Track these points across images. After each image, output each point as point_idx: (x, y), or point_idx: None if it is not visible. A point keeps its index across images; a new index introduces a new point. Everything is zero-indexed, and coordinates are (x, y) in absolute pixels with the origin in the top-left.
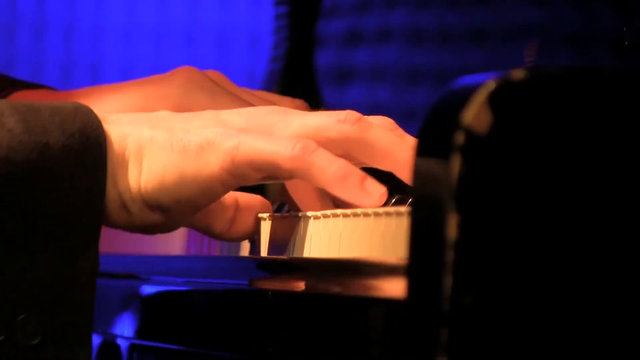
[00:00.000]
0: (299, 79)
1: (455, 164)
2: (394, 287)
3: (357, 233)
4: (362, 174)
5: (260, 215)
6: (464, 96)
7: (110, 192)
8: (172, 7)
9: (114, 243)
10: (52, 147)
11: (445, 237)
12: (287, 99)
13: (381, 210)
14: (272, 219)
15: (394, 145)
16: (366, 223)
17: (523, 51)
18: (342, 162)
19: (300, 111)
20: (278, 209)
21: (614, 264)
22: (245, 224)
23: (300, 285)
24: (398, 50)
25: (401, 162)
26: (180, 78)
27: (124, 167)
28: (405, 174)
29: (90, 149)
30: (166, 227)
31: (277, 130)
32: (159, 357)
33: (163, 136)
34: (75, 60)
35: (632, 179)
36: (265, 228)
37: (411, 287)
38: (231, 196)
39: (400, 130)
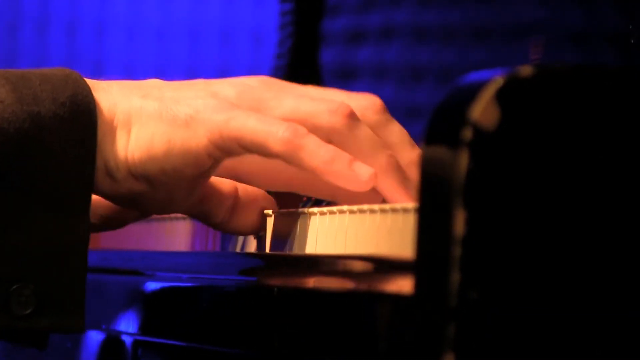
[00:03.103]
0: (302, 76)
1: (463, 159)
2: (401, 283)
3: (364, 229)
4: (350, 157)
5: (265, 211)
6: (472, 92)
7: (97, 160)
8: (176, 4)
9: (118, 239)
10: (44, 117)
11: (452, 232)
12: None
13: (387, 206)
14: (278, 215)
15: (375, 150)
16: (372, 219)
17: (529, 48)
18: (330, 147)
19: (294, 89)
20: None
21: (619, 259)
22: (247, 216)
23: (306, 282)
24: (402, 48)
25: (377, 167)
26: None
27: (112, 134)
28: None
29: (80, 117)
30: (153, 199)
31: (267, 109)
32: (163, 353)
33: (152, 105)
34: (78, 56)
35: (637, 175)
36: (271, 224)
37: (418, 283)
38: (230, 184)
39: (387, 115)
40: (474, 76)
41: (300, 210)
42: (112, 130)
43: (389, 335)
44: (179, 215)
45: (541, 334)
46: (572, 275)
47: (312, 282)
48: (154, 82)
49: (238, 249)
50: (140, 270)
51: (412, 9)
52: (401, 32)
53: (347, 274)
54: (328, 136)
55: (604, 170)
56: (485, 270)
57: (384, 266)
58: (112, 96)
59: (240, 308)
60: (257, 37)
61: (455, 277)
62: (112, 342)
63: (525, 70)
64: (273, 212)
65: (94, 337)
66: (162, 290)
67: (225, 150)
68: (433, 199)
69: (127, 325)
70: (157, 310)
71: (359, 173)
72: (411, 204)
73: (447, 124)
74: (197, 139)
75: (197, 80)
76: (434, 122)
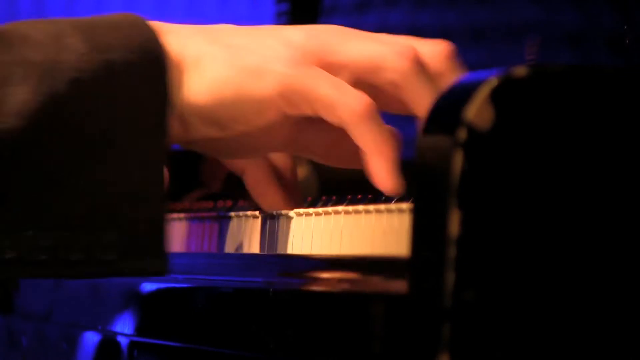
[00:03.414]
0: None
1: (458, 160)
2: (396, 284)
3: (359, 230)
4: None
5: (253, 213)
6: (466, 93)
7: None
8: (172, 6)
9: None
10: (117, 64)
11: (447, 233)
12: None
13: (383, 207)
14: (274, 216)
15: (430, 98)
16: (367, 220)
17: (524, 49)
18: (390, 132)
19: (363, 33)
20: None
21: (615, 259)
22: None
23: (302, 282)
24: None
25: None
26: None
27: (181, 79)
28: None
29: (151, 62)
30: (225, 145)
31: (334, 52)
32: (159, 354)
33: (222, 52)
34: None
35: (632, 175)
36: (267, 225)
37: (413, 283)
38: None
39: (455, 63)
40: (468, 77)
41: (295, 211)
42: (181, 75)
43: (384, 336)
44: (175, 215)
45: (536, 335)
46: (566, 276)
47: (307, 283)
48: (224, 27)
49: (233, 250)
50: None
51: (408, 9)
52: (397, 33)
53: (343, 275)
54: (392, 78)
55: (599, 170)
56: (480, 271)
57: (379, 267)
58: (180, 40)
59: (235, 309)
60: None
61: (450, 277)
62: (109, 343)
63: (520, 70)
64: (267, 214)
65: (90, 338)
66: (158, 291)
67: (292, 105)
68: (428, 200)
69: (124, 326)
70: (153, 311)
71: (395, 176)
72: (406, 205)
73: (441, 124)
74: (266, 89)
75: (266, 26)
76: (428, 122)
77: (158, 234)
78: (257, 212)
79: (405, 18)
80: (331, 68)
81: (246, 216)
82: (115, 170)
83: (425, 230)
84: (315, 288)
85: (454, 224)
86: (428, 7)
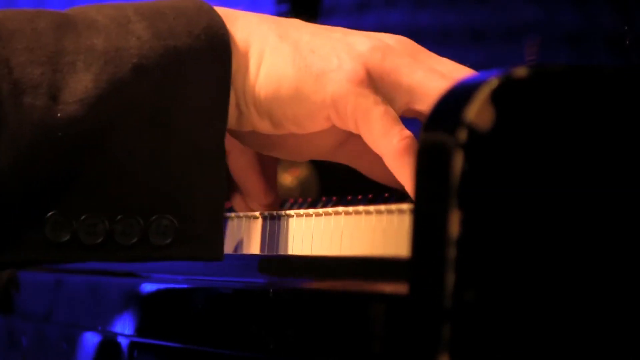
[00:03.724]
0: None
1: (458, 160)
2: (396, 284)
3: (359, 230)
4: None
5: (253, 213)
6: (467, 93)
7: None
8: None
9: None
10: (180, 50)
11: (447, 233)
12: None
13: (383, 207)
14: (274, 216)
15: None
16: (368, 220)
17: (524, 49)
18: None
19: (429, 59)
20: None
21: (615, 259)
22: None
23: (302, 283)
24: None
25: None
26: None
27: (245, 67)
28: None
29: (215, 49)
30: (271, 144)
31: (399, 75)
32: (159, 355)
33: (287, 48)
34: None
35: (632, 175)
36: (267, 226)
37: (413, 284)
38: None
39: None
40: (469, 77)
41: (295, 211)
42: (245, 63)
43: (384, 336)
44: None
45: (535, 335)
46: (566, 276)
47: (307, 283)
48: (294, 22)
49: (233, 251)
50: (136, 272)
51: (407, 10)
52: (396, 34)
53: (343, 275)
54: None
55: (599, 170)
56: (480, 271)
57: (380, 267)
58: (248, 29)
59: (235, 309)
60: None
61: (451, 277)
62: (109, 344)
63: (520, 71)
64: (268, 214)
65: (91, 339)
66: (158, 292)
67: (340, 118)
68: (428, 200)
69: (124, 326)
70: (153, 312)
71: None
72: (406, 205)
73: (442, 125)
74: (323, 95)
75: (335, 28)
76: (429, 123)
77: (215, 220)
78: (257, 213)
79: (405, 18)
80: (388, 88)
81: (246, 217)
82: (175, 156)
83: (425, 230)
84: (315, 288)
85: (454, 224)
86: (428, 8)
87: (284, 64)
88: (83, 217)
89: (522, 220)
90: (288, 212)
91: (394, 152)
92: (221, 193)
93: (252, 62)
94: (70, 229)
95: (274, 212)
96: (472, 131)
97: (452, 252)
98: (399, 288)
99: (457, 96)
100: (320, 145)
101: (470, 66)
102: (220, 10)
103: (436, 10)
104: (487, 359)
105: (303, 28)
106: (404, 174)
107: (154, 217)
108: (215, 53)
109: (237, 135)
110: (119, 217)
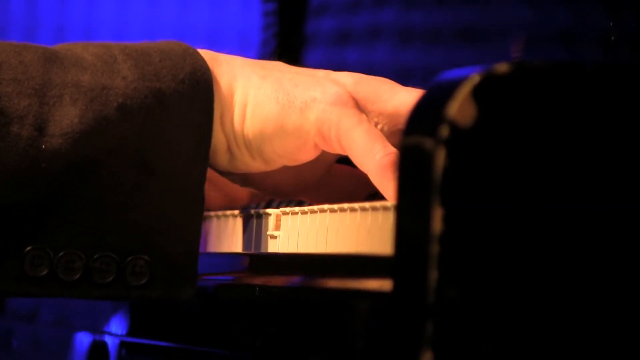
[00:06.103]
0: None
1: (440, 157)
2: (380, 281)
3: (344, 228)
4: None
5: (231, 212)
6: (449, 90)
7: (218, 133)
8: (163, 7)
9: None
10: (165, 93)
11: (430, 230)
12: None
13: (367, 204)
14: (260, 215)
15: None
16: (352, 217)
17: (510, 47)
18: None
19: (407, 89)
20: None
21: (599, 255)
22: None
23: (287, 280)
24: (388, 48)
25: None
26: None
27: (231, 111)
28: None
29: (199, 93)
30: (269, 178)
31: (381, 101)
32: (147, 354)
33: (271, 86)
34: None
35: (614, 170)
36: (249, 224)
37: (397, 281)
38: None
39: None
40: (450, 74)
41: (281, 209)
42: (231, 106)
43: (367, 333)
44: None
45: (519, 331)
46: (549, 272)
47: (292, 281)
48: (277, 64)
49: (216, 250)
50: None
51: (398, 9)
52: (387, 33)
53: (328, 272)
54: None
55: (581, 165)
56: (463, 268)
57: (364, 264)
58: (232, 72)
59: (222, 307)
60: (243, 39)
61: (433, 274)
62: (97, 343)
63: (502, 67)
64: (253, 212)
65: (80, 339)
66: None
67: (325, 140)
68: (411, 197)
69: (112, 326)
70: (141, 311)
71: None
72: (390, 203)
73: (424, 121)
74: (307, 125)
75: (318, 70)
76: (411, 119)
77: (190, 263)
78: (236, 212)
79: (395, 18)
80: (374, 115)
81: (225, 215)
82: (155, 197)
83: (408, 227)
84: (300, 286)
85: (437, 221)
86: (418, 7)
87: (268, 102)
88: (61, 253)
89: (504, 216)
90: (273, 210)
91: (377, 168)
92: (198, 235)
93: (238, 105)
94: (49, 264)
95: (260, 210)
96: (454, 128)
97: (434, 249)
98: (383, 285)
99: (439, 93)
100: (312, 176)
101: (462, 65)
102: (205, 54)
103: (427, 9)
104: (469, 355)
105: (286, 68)
106: (389, 189)
107: (130, 258)
108: (199, 98)
109: (232, 176)
110: (96, 255)
